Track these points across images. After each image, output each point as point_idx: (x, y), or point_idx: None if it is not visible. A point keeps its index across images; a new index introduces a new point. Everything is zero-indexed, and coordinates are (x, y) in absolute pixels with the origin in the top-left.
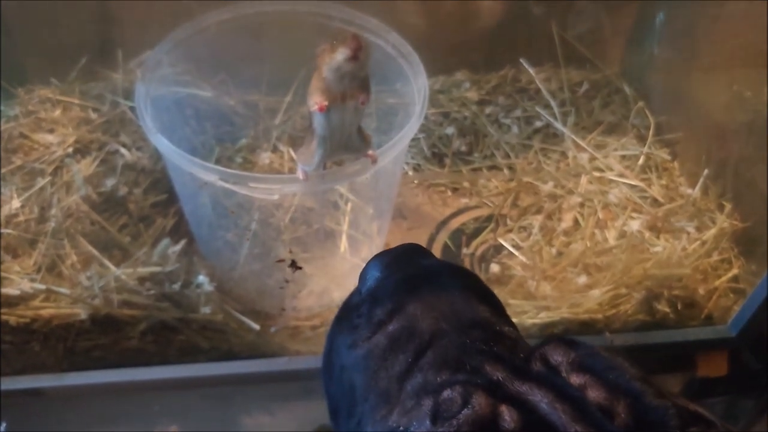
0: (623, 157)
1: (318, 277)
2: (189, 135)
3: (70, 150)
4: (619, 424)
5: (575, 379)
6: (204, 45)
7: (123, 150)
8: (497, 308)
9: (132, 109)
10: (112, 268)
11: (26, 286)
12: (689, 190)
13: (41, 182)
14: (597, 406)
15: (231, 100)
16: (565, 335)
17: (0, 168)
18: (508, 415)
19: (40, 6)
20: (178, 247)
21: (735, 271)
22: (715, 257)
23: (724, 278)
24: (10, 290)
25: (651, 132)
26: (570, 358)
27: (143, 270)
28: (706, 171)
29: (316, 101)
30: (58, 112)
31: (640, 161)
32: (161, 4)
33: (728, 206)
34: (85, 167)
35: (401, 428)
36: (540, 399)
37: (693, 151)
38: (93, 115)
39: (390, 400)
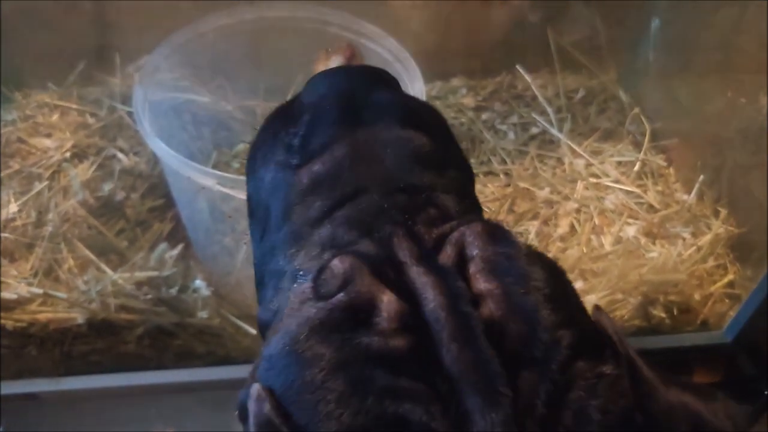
0: (619, 163)
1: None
2: (186, 140)
3: (68, 154)
4: (503, 351)
5: (479, 285)
6: (202, 50)
7: (120, 155)
8: (444, 171)
9: (129, 114)
10: (109, 272)
11: (23, 290)
12: (685, 196)
13: (39, 186)
14: (488, 322)
15: (228, 105)
16: (492, 221)
17: None
18: (386, 310)
19: (39, 11)
20: (175, 251)
21: (730, 276)
22: (711, 263)
23: (719, 284)
24: (7, 294)
25: (647, 138)
26: (486, 254)
27: (140, 274)
28: (701, 177)
29: None
30: (55, 117)
31: (636, 167)
32: (159, 9)
33: (723, 212)
34: (82, 172)
35: (300, 273)
36: (429, 300)
37: (688, 158)
38: (90, 120)
39: (300, 241)
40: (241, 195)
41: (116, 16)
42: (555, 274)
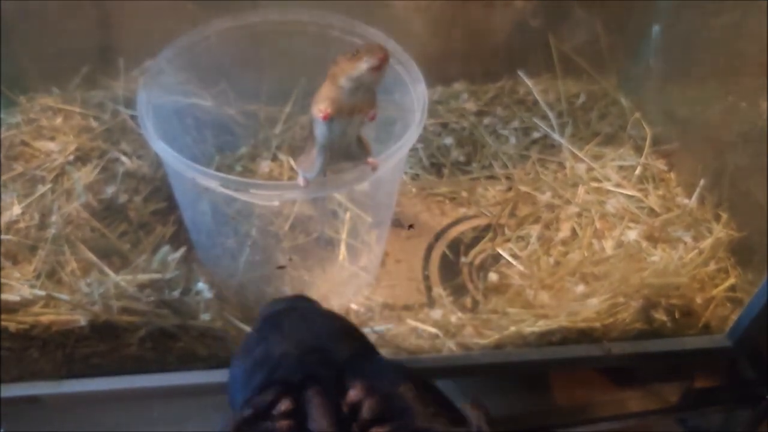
0: (620, 167)
1: (317, 284)
2: (189, 144)
3: (71, 157)
4: None
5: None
6: (205, 54)
7: (123, 158)
8: (336, 335)
9: (133, 117)
10: (112, 274)
11: (26, 292)
12: (686, 200)
13: (42, 189)
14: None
15: (231, 109)
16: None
17: (0, 175)
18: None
19: (42, 14)
20: (178, 254)
21: (732, 280)
22: (712, 266)
23: (721, 287)
24: (9, 296)
25: (647, 143)
26: (371, 404)
27: (143, 277)
28: (702, 181)
29: (321, 108)
30: (59, 120)
31: (637, 171)
32: (162, 14)
33: (724, 216)
34: (85, 175)
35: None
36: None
37: (689, 162)
38: (94, 123)
39: (250, 391)
40: (244, 197)
41: (119, 21)
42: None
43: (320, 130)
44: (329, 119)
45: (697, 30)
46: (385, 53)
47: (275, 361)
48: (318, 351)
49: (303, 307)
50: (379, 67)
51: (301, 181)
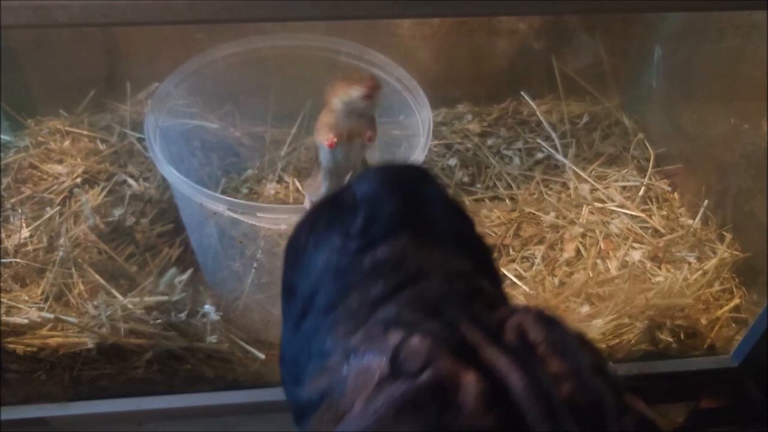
0: (624, 188)
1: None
2: (196, 166)
3: (79, 180)
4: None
5: (553, 367)
6: (211, 78)
7: (130, 180)
8: (483, 259)
9: (140, 140)
10: (119, 297)
11: (34, 314)
12: (689, 221)
13: (50, 212)
14: (568, 401)
15: (237, 131)
16: (539, 308)
17: (9, 198)
18: (470, 389)
19: (50, 40)
20: (185, 276)
21: (737, 301)
22: (717, 287)
23: (725, 308)
24: (18, 319)
25: (651, 163)
26: (551, 338)
27: (150, 299)
28: (705, 202)
29: (325, 138)
30: (67, 143)
31: (641, 192)
32: (168, 39)
33: (728, 237)
34: (93, 197)
35: (360, 350)
36: (516, 380)
37: (692, 183)
38: (101, 146)
39: (357, 321)
40: (251, 221)
41: (125, 46)
42: (597, 352)
43: (324, 156)
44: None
45: (699, 52)
46: (375, 83)
47: (411, 279)
48: (461, 277)
49: (424, 194)
50: (370, 96)
51: (307, 204)
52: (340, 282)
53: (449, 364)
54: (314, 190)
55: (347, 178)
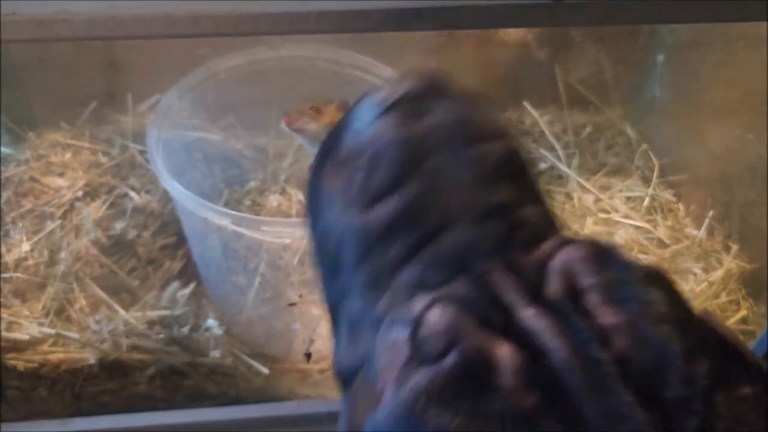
0: (628, 198)
1: (326, 319)
2: (198, 178)
3: (80, 193)
4: (641, 391)
5: (602, 319)
6: (214, 90)
7: (132, 193)
8: (522, 176)
9: (141, 152)
10: (121, 311)
11: (35, 330)
12: (695, 232)
13: (51, 226)
14: (620, 360)
15: (239, 143)
16: (593, 240)
17: (10, 211)
18: (507, 365)
19: (51, 52)
20: (187, 290)
21: (743, 312)
22: (723, 298)
23: (732, 319)
24: (18, 335)
25: (655, 174)
26: (602, 282)
27: (152, 314)
28: (711, 212)
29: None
30: (68, 156)
31: (645, 203)
32: (169, 51)
33: (734, 247)
34: (94, 210)
35: (388, 318)
36: (556, 348)
37: (698, 193)
38: (103, 159)
39: (381, 284)
40: (256, 235)
41: (126, 57)
42: (674, 292)
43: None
44: None
45: (704, 62)
46: (288, 118)
47: (432, 232)
48: (494, 213)
49: (447, 124)
50: (289, 126)
51: None
52: (357, 245)
53: (478, 339)
54: None
55: None
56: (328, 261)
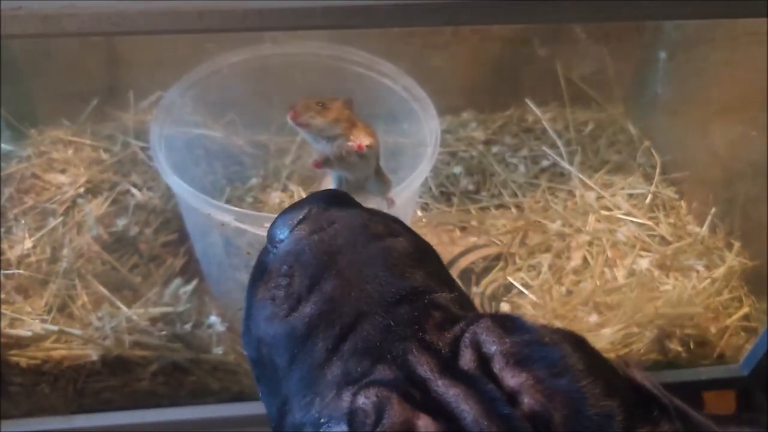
0: (630, 195)
1: None
2: (200, 175)
3: (82, 190)
4: None
5: (510, 380)
6: (216, 86)
7: (134, 190)
8: (428, 264)
9: (143, 149)
10: (124, 308)
11: (37, 327)
12: (697, 229)
13: (53, 222)
14: (531, 416)
15: (240, 140)
16: (499, 312)
17: (12, 208)
18: (425, 429)
19: (53, 49)
20: (190, 287)
21: (746, 309)
22: (726, 295)
23: (735, 317)
24: (21, 331)
25: (657, 171)
26: (505, 347)
27: (154, 310)
28: (713, 209)
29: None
30: (69, 153)
31: (648, 200)
32: (171, 47)
33: (737, 244)
34: (96, 207)
35: (322, 420)
36: (467, 412)
37: (700, 190)
38: (104, 156)
39: (312, 387)
40: (259, 231)
41: (128, 55)
42: (579, 344)
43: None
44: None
45: (706, 58)
46: (294, 111)
47: (349, 326)
48: (405, 299)
49: (351, 225)
50: (293, 120)
51: None
52: (285, 352)
53: (400, 414)
54: None
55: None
56: (266, 371)
